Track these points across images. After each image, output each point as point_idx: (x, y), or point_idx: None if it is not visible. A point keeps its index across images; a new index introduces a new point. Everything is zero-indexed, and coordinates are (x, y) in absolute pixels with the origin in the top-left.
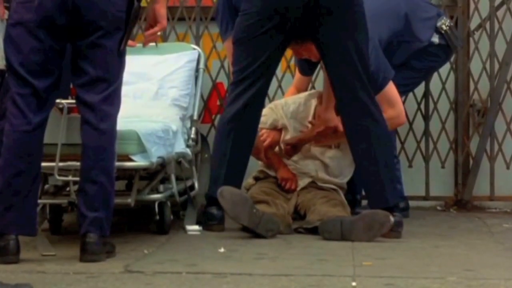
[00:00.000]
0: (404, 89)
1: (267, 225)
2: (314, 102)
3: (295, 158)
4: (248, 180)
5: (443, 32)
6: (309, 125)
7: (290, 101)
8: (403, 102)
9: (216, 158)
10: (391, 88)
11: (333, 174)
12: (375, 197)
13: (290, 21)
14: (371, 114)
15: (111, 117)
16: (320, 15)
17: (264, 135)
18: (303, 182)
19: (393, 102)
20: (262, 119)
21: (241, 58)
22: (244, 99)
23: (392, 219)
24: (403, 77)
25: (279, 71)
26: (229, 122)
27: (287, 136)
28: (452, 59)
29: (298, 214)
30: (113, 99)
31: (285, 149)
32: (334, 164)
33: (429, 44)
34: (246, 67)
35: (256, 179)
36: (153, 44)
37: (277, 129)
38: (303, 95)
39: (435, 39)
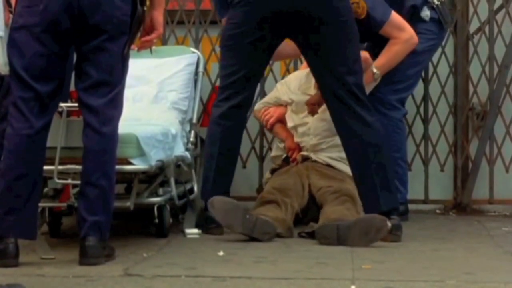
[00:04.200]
0: (416, 75)
1: (262, 228)
2: None
3: (290, 124)
4: (266, 174)
5: (434, 6)
6: (313, 92)
7: (293, 78)
8: (405, 103)
9: (206, 162)
10: (394, 16)
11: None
12: (368, 202)
13: (272, 35)
14: (361, 119)
15: (114, 121)
16: (305, 29)
17: (270, 112)
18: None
19: (402, 26)
20: (265, 98)
21: (228, 64)
22: (230, 104)
23: (389, 224)
24: (411, 63)
25: (277, 74)
26: (217, 126)
27: (289, 110)
28: (451, 62)
29: (316, 205)
30: (116, 103)
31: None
32: None
33: (422, 21)
34: (231, 74)
35: (272, 171)
36: (147, 50)
37: (282, 105)
38: (305, 70)
39: (427, 12)
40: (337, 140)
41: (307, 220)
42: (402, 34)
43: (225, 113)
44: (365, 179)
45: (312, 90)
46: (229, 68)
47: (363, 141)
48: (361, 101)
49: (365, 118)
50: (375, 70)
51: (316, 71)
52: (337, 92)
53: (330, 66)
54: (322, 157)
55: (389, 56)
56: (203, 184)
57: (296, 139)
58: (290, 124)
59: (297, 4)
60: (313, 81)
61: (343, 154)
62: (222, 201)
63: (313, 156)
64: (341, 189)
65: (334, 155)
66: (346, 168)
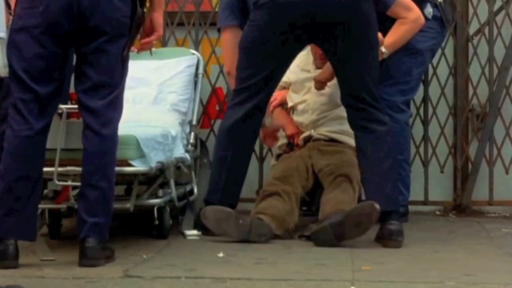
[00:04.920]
0: (419, 75)
1: (258, 230)
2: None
3: (290, 104)
4: (271, 161)
5: (437, 3)
6: (312, 68)
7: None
8: (409, 105)
9: (216, 165)
10: None
11: (336, 103)
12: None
13: (295, 40)
14: (377, 119)
15: (113, 123)
16: (328, 31)
17: (274, 95)
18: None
19: (410, 6)
20: None
21: (246, 67)
22: (245, 109)
23: (377, 206)
24: (415, 63)
25: None
26: (230, 130)
27: (289, 91)
28: (451, 64)
29: (321, 186)
30: (116, 105)
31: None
32: (337, 91)
33: (424, 18)
34: (249, 77)
35: (277, 157)
36: (147, 52)
37: (285, 88)
38: (305, 50)
39: (430, 9)
40: (336, 112)
41: (315, 204)
42: (410, 14)
43: (241, 117)
44: (374, 177)
45: (311, 66)
46: (248, 71)
47: (379, 138)
48: (374, 107)
49: (380, 119)
50: (383, 50)
51: (340, 75)
52: (353, 98)
53: (352, 72)
54: (323, 132)
55: (397, 35)
56: (211, 190)
57: (297, 118)
58: (290, 103)
59: (324, 9)
60: (311, 58)
61: (344, 127)
62: (213, 211)
63: (313, 133)
64: (337, 169)
65: (335, 128)
66: (348, 140)
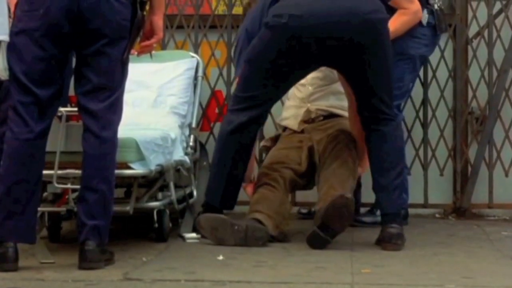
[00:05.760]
0: (410, 81)
1: (254, 234)
2: None
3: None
4: (266, 143)
5: (434, 10)
6: None
7: None
8: (403, 108)
9: (216, 168)
10: None
11: (333, 78)
12: (385, 200)
13: (303, 59)
14: (388, 124)
15: (113, 125)
16: (345, 55)
17: None
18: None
19: None
20: None
21: (250, 78)
22: (248, 116)
23: (347, 194)
24: (407, 69)
25: None
26: (231, 134)
27: None
28: (450, 67)
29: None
30: (116, 107)
31: None
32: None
33: (419, 25)
34: (253, 88)
35: (275, 140)
36: (147, 54)
37: None
38: None
39: (426, 15)
40: (334, 87)
41: (311, 185)
42: (411, 5)
43: (243, 123)
44: (382, 181)
45: None
46: (251, 82)
47: (388, 140)
48: (386, 113)
49: (390, 123)
50: None
51: (356, 93)
52: (369, 110)
53: (369, 92)
54: (321, 106)
55: (397, 25)
56: (211, 192)
57: (297, 93)
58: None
59: (338, 32)
60: None
61: (343, 102)
62: (207, 219)
63: (311, 107)
64: (338, 135)
65: (333, 103)
66: (346, 114)
